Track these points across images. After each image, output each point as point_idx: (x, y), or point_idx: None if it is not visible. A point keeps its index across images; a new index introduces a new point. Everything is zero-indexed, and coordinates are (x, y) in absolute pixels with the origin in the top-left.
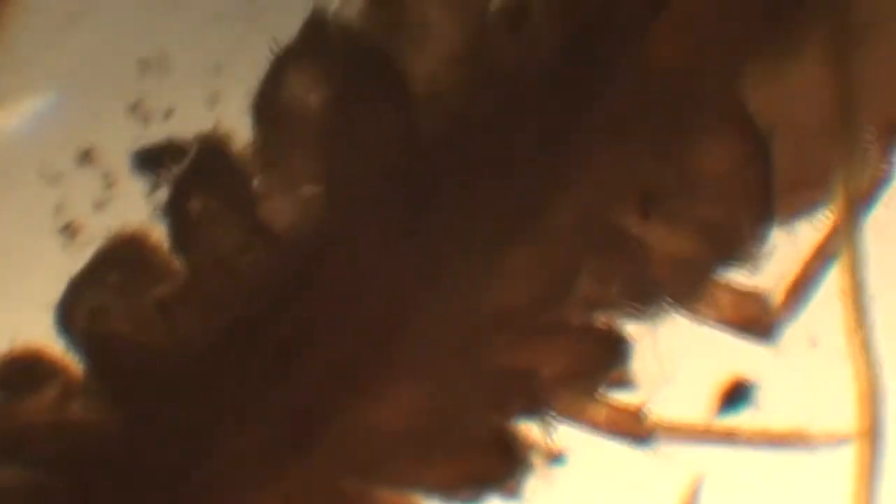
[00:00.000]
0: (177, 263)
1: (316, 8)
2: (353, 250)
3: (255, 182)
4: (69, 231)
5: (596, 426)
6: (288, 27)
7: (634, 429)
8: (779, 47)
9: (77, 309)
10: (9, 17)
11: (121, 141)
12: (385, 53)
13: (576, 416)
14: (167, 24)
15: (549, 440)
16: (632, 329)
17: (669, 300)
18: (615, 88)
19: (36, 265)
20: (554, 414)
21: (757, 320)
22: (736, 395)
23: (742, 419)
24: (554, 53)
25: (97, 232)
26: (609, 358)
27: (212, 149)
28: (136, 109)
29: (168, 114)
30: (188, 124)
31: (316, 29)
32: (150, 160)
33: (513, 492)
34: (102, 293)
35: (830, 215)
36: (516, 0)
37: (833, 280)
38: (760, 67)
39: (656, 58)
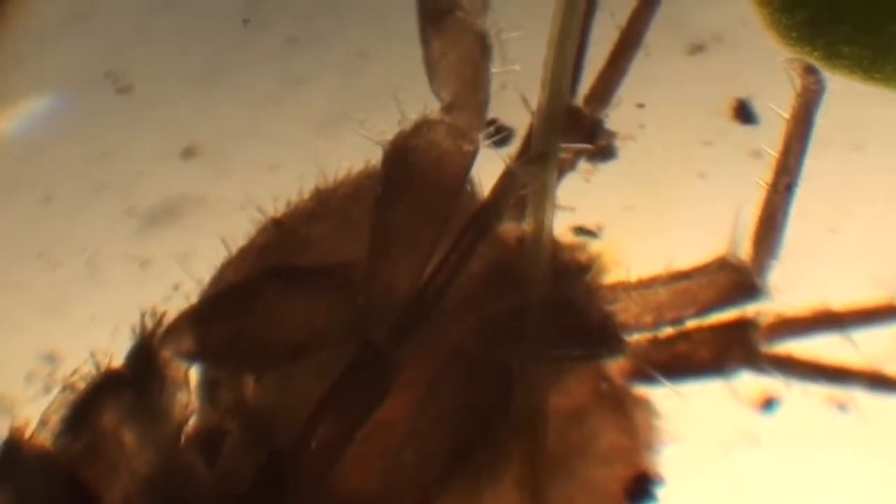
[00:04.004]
0: None
1: (12, 430)
2: None
3: None
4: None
5: None
6: None
7: None
8: (474, 473)
9: None
10: (9, 17)
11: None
12: (78, 479)
13: None
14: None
15: None
16: None
17: None
18: None
19: (35, 264)
20: None
21: None
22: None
23: None
24: (245, 481)
25: None
26: None
27: None
28: None
29: None
30: None
31: (10, 452)
32: None
33: None
34: None
35: None
36: (208, 430)
37: None
38: (455, 492)
39: (346, 484)
